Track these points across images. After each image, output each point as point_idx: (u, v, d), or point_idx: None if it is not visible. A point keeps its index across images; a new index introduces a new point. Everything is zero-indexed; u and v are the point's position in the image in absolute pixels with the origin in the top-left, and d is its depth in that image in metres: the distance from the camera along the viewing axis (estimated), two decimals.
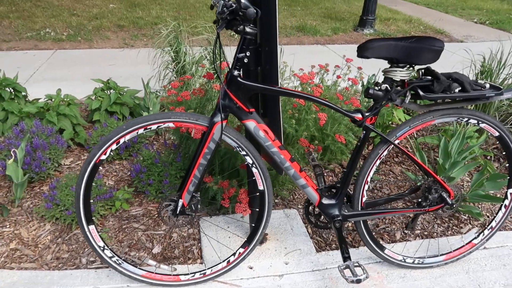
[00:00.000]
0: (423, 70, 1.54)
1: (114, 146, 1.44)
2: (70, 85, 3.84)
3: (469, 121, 1.61)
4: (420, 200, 1.68)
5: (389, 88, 1.48)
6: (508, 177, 1.74)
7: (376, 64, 1.77)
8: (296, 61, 2.83)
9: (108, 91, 3.06)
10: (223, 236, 1.99)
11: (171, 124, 1.45)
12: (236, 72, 1.41)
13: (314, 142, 2.17)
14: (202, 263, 1.85)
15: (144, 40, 5.46)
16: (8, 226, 2.03)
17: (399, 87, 1.52)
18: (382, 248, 1.77)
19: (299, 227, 2.08)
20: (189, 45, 3.27)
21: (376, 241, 1.75)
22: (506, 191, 1.76)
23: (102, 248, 1.58)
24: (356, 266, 1.63)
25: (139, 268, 1.65)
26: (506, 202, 1.77)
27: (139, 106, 3.03)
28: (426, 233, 2.12)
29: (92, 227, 1.54)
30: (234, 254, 1.69)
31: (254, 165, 1.55)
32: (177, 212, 1.52)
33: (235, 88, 1.42)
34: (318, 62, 2.52)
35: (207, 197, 2.06)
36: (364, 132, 1.56)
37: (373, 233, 1.78)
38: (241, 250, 1.68)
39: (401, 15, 7.50)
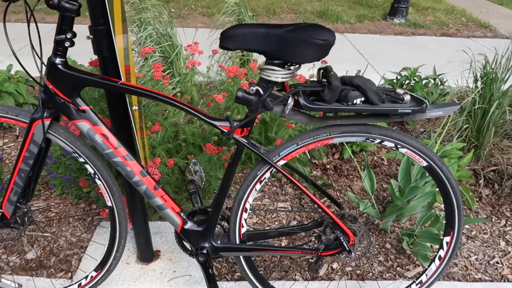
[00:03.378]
0: (322, 71, 1.15)
1: None
2: None
3: (383, 143, 1.19)
4: (314, 239, 1.30)
5: (261, 92, 1.10)
6: (445, 222, 1.30)
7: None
8: None
9: None
10: None
11: None
12: (57, 60, 1.10)
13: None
14: (71, 278, 1.60)
15: None
16: None
17: (283, 92, 1.14)
18: None
19: None
20: None
21: (264, 280, 1.40)
22: (442, 240, 1.32)
23: None
24: None
25: None
26: (441, 253, 1.33)
27: None
28: (358, 271, 1.71)
29: None
30: (86, 277, 1.42)
31: (97, 176, 1.25)
32: None
33: (57, 78, 1.12)
34: None
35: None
36: (237, 146, 1.20)
37: (260, 271, 1.42)
38: (94, 273, 1.40)
39: (443, 4, 6.68)
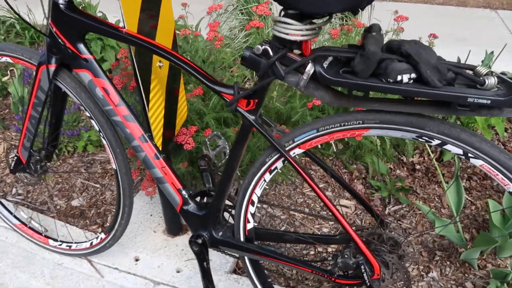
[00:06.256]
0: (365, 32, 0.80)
1: None
2: None
3: (445, 147, 0.79)
4: (331, 260, 0.98)
5: (270, 52, 0.82)
6: None
7: None
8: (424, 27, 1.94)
9: None
10: (146, 212, 1.66)
11: (9, 59, 1.16)
12: (60, 0, 0.99)
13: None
14: (100, 233, 1.58)
15: None
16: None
17: (301, 55, 0.83)
18: None
19: None
20: None
21: None
22: None
23: None
24: None
25: (13, 216, 1.50)
26: None
27: None
28: None
29: None
30: (97, 238, 1.36)
31: (101, 134, 1.14)
32: (12, 168, 1.26)
33: (59, 21, 1.01)
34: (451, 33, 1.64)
35: None
36: (242, 122, 0.94)
37: (269, 279, 1.15)
38: (103, 236, 1.34)
39: None
